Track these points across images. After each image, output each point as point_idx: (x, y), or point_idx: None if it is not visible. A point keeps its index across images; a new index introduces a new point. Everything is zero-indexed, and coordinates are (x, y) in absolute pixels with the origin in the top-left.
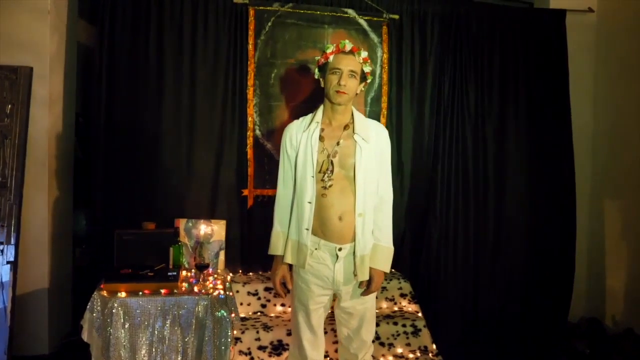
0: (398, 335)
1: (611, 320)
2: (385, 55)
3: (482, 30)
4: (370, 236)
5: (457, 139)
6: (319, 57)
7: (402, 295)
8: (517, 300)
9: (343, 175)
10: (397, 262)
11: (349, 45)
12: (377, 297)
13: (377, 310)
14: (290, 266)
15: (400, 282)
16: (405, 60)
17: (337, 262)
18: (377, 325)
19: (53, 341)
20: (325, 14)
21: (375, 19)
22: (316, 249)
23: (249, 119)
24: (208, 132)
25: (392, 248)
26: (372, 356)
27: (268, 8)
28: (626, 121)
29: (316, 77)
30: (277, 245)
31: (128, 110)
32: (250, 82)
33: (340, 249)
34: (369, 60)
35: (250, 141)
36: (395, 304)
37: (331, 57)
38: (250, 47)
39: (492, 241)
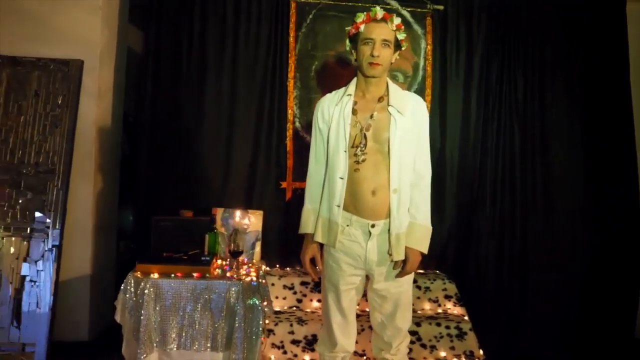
0: (441, 337)
1: None
2: (429, 47)
3: (533, 21)
4: (406, 214)
5: (505, 134)
6: (350, 28)
7: (447, 297)
8: (573, 309)
9: (377, 150)
10: (442, 261)
11: (380, 13)
12: (419, 298)
13: (419, 312)
14: (322, 246)
15: (445, 283)
16: (450, 52)
17: (370, 240)
18: (419, 325)
19: (93, 328)
20: (367, 5)
21: (419, 10)
22: (348, 225)
23: (289, 111)
24: (247, 125)
25: (429, 227)
26: (412, 358)
27: (310, 1)
28: None
29: (347, 48)
30: (307, 223)
31: (171, 106)
32: (291, 74)
33: (373, 226)
34: (402, 27)
35: (289, 133)
36: (440, 305)
37: (362, 27)
38: (291, 39)
39: (543, 243)
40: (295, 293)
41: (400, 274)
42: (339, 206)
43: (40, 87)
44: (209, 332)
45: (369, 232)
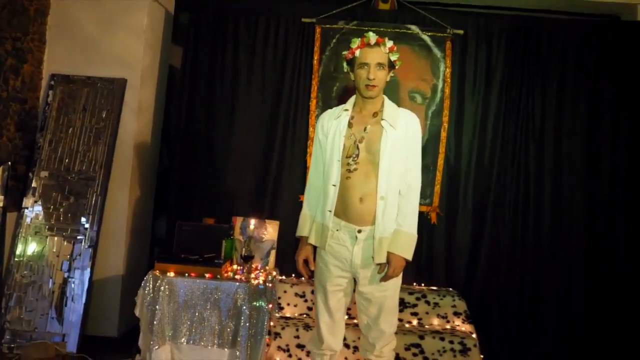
0: (444, 351)
1: None
2: (448, 70)
3: (554, 46)
4: (392, 221)
5: (521, 155)
6: (346, 52)
7: (456, 314)
8: (583, 330)
9: (369, 160)
10: (454, 277)
11: (373, 38)
12: (428, 313)
13: (427, 326)
14: (316, 249)
15: (454, 300)
16: (469, 75)
17: (356, 245)
18: (422, 338)
19: (122, 325)
20: (389, 30)
21: (439, 34)
22: (337, 230)
23: (310, 129)
24: (272, 141)
25: (414, 235)
26: None
27: (334, 26)
28: None
29: (345, 70)
30: (303, 227)
31: (204, 121)
32: (314, 94)
33: (360, 231)
34: (395, 49)
35: (310, 150)
36: (448, 322)
37: (357, 52)
38: (315, 62)
39: (553, 262)
40: (306, 301)
41: (384, 278)
42: (330, 211)
43: (87, 103)
44: (217, 329)
45: (356, 237)
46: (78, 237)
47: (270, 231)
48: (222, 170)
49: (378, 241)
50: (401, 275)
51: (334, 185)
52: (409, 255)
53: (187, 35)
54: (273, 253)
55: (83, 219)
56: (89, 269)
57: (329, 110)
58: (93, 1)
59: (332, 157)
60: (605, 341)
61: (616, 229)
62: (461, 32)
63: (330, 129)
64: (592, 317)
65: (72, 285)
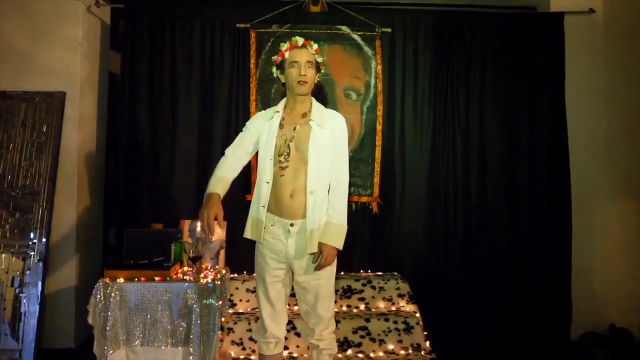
0: (389, 331)
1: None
2: (379, 67)
3: (474, 40)
4: (322, 214)
5: (449, 145)
6: (275, 57)
7: (400, 296)
8: (511, 315)
9: (298, 158)
10: (399, 261)
11: (300, 40)
12: (374, 297)
13: (374, 309)
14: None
15: (398, 283)
16: (397, 70)
17: (290, 237)
18: (368, 321)
19: (79, 336)
20: (321, 32)
21: (368, 33)
22: (272, 225)
23: None
24: (216, 142)
25: (344, 225)
26: (362, 351)
27: (267, 30)
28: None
29: (275, 75)
30: (215, 185)
31: (145, 126)
32: (253, 97)
33: (292, 225)
34: (319, 51)
35: None
36: (393, 304)
37: (287, 54)
38: (252, 65)
39: (479, 241)
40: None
41: (318, 267)
42: (264, 206)
43: (27, 118)
44: (169, 329)
45: (289, 230)
46: (28, 253)
47: (219, 231)
48: (168, 174)
49: (309, 233)
50: (335, 263)
51: (267, 183)
52: (339, 244)
53: (124, 43)
54: (222, 252)
55: (31, 234)
56: (40, 283)
57: (262, 112)
58: (25, 17)
59: (265, 156)
60: (531, 320)
61: (536, 215)
62: (389, 30)
63: (264, 129)
64: (519, 295)
65: (25, 300)
